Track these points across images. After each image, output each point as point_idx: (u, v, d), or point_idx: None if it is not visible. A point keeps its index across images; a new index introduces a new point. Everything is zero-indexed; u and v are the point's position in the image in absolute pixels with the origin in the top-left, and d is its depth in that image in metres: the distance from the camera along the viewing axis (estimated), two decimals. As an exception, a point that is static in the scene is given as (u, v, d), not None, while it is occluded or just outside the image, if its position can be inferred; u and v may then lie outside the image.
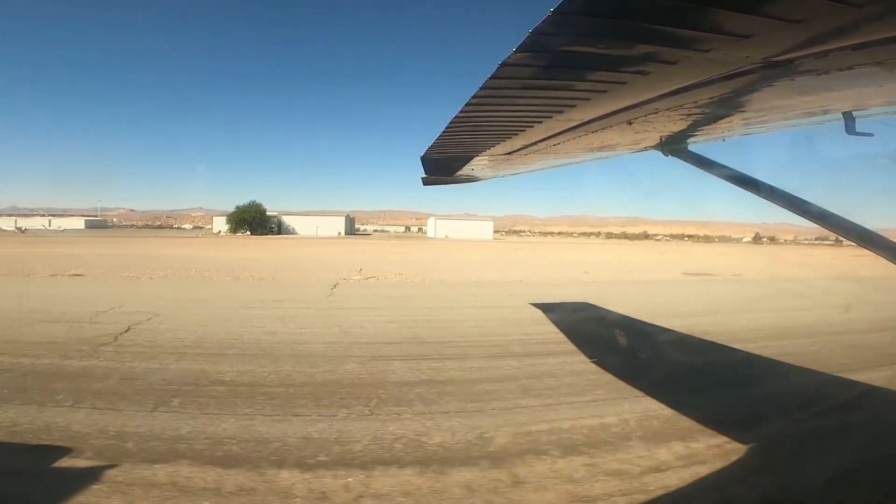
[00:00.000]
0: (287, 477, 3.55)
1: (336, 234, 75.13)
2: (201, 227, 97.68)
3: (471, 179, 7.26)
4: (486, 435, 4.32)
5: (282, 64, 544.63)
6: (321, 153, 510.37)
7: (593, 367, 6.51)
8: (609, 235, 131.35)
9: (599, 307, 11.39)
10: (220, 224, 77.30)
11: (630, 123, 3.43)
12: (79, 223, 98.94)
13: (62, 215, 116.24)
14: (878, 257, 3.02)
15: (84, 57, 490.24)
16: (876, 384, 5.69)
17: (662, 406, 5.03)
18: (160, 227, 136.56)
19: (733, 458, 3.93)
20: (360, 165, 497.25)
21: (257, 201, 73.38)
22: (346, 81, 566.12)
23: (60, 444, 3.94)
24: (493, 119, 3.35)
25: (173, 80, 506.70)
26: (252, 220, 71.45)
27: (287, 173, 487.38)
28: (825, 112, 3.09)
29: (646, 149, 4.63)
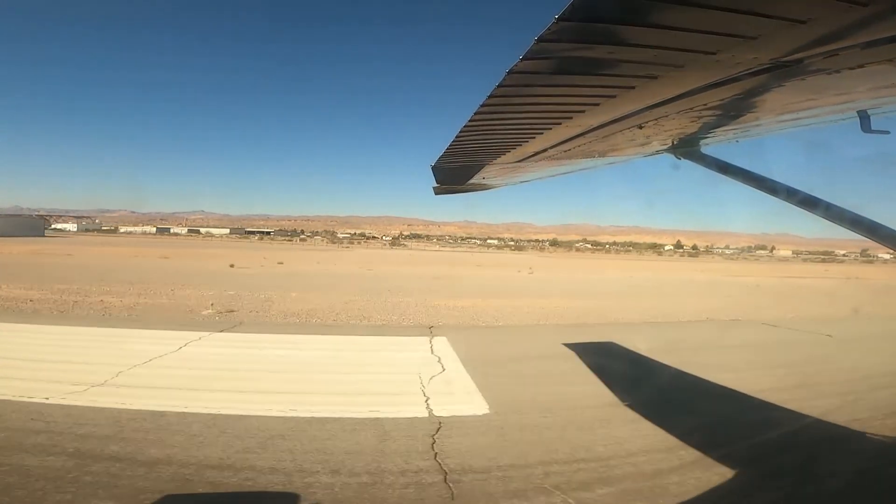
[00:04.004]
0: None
1: None
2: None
3: (482, 188, 7.25)
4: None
5: (279, 69, 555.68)
6: (321, 158, 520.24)
7: None
8: (554, 244, 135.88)
9: None
10: None
11: (641, 127, 3.43)
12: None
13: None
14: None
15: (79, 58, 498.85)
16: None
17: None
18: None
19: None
20: (360, 172, 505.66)
21: None
22: (347, 80, 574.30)
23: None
24: (502, 127, 3.37)
25: (171, 83, 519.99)
26: None
27: (286, 178, 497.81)
28: (839, 111, 3.05)
29: (658, 152, 4.60)
